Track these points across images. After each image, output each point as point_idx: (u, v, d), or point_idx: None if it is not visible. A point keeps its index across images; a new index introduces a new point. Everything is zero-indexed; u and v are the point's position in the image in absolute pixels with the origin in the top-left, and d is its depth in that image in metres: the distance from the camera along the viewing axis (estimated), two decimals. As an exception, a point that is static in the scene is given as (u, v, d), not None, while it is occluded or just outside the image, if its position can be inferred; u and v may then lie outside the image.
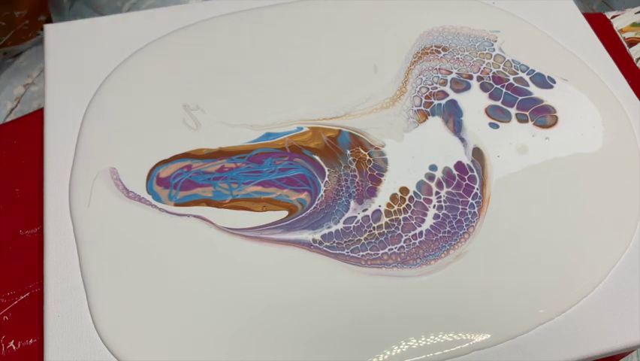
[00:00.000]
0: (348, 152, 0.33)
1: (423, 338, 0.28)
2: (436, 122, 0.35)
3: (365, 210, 0.31)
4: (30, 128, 0.34)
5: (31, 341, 0.28)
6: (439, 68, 0.37)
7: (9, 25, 0.46)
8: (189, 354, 0.27)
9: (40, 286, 0.29)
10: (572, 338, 0.28)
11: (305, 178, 0.32)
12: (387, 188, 0.32)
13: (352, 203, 0.31)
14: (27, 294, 0.30)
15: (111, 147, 0.33)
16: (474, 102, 0.35)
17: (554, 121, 0.35)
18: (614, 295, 0.30)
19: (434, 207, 0.31)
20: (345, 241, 0.30)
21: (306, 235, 0.30)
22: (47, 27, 0.37)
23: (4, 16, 0.44)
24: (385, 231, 0.31)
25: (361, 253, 0.30)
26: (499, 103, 0.35)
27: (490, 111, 0.35)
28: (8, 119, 0.45)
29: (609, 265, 0.30)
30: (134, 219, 0.30)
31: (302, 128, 0.34)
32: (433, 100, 0.35)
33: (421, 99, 0.35)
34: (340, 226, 0.31)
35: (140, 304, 0.28)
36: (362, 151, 0.33)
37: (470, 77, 0.36)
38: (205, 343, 0.27)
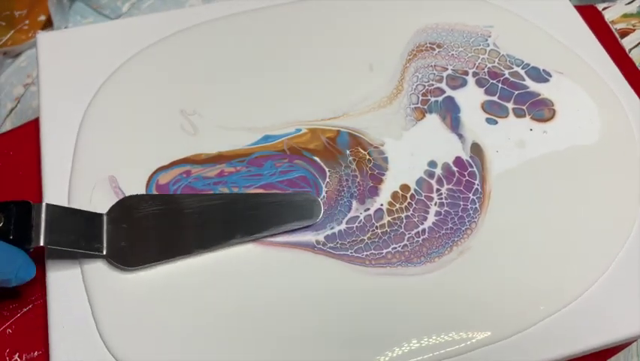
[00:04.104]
0: (348, 152, 0.33)
1: (428, 337, 0.28)
2: (433, 120, 0.35)
3: (367, 209, 0.31)
4: (26, 138, 0.34)
5: (35, 353, 0.28)
6: (435, 65, 0.37)
7: (9, 25, 0.46)
8: (196, 359, 0.27)
9: (43, 297, 0.29)
10: (574, 331, 0.29)
11: (306, 180, 0.32)
12: (389, 187, 0.32)
13: (354, 203, 0.31)
14: (30, 306, 0.29)
15: (109, 155, 0.32)
16: (471, 98, 0.35)
17: (552, 114, 0.35)
18: (614, 287, 0.30)
19: (435, 204, 0.31)
20: (349, 242, 0.30)
21: (310, 237, 0.30)
22: (39, 36, 0.37)
23: (4, 16, 0.44)
24: (388, 230, 0.31)
25: (365, 253, 0.30)
26: (495, 98, 0.36)
27: (487, 107, 0.35)
28: (8, 120, 0.45)
29: (610, 258, 0.31)
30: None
31: (300, 130, 0.34)
32: (429, 97, 0.35)
33: (418, 97, 0.35)
34: (343, 226, 0.31)
35: (145, 312, 0.28)
36: (362, 151, 0.33)
37: (466, 73, 0.36)
38: (211, 346, 0.27)
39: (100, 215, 0.29)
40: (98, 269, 0.29)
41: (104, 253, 0.28)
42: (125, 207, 0.30)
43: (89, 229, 0.29)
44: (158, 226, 0.30)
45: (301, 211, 0.30)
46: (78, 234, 0.28)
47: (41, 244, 0.27)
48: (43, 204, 0.28)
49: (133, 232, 0.29)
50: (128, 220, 0.29)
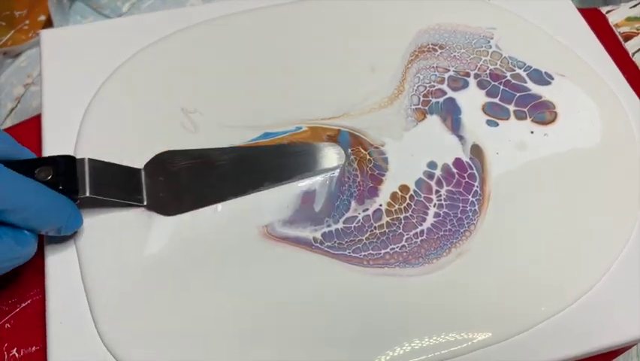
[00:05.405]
0: (349, 151, 0.33)
1: (427, 338, 0.28)
2: (434, 121, 0.35)
3: (366, 210, 0.31)
4: (27, 134, 0.34)
5: (33, 348, 0.28)
6: (437, 67, 0.37)
7: (9, 25, 0.46)
8: (193, 357, 0.27)
9: (42, 293, 0.29)
10: (575, 334, 0.28)
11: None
12: (388, 187, 0.32)
13: (353, 203, 0.31)
14: (28, 301, 0.29)
15: (110, 152, 0.32)
16: (472, 100, 0.35)
17: (553, 117, 0.35)
18: (615, 290, 0.30)
19: (434, 205, 0.31)
20: (347, 241, 0.30)
21: (307, 233, 0.30)
22: (43, 33, 0.37)
23: (4, 16, 0.44)
24: (387, 230, 0.30)
25: (363, 253, 0.30)
26: (497, 100, 0.35)
27: (489, 109, 0.35)
28: (8, 119, 0.45)
29: (610, 260, 0.30)
30: (134, 222, 0.30)
31: (301, 128, 0.34)
32: (431, 98, 0.35)
33: (419, 98, 0.35)
34: (340, 225, 0.31)
35: (143, 308, 0.28)
36: (362, 150, 0.33)
37: (468, 75, 0.36)
38: (209, 345, 0.27)
39: (138, 170, 0.31)
40: (98, 266, 0.29)
41: (145, 203, 0.30)
42: (160, 162, 0.32)
43: (129, 182, 0.31)
44: (193, 177, 0.32)
45: (325, 159, 0.32)
46: (120, 186, 0.30)
47: (87, 194, 0.28)
48: (86, 158, 0.29)
49: (170, 184, 0.31)
50: (164, 173, 0.31)
